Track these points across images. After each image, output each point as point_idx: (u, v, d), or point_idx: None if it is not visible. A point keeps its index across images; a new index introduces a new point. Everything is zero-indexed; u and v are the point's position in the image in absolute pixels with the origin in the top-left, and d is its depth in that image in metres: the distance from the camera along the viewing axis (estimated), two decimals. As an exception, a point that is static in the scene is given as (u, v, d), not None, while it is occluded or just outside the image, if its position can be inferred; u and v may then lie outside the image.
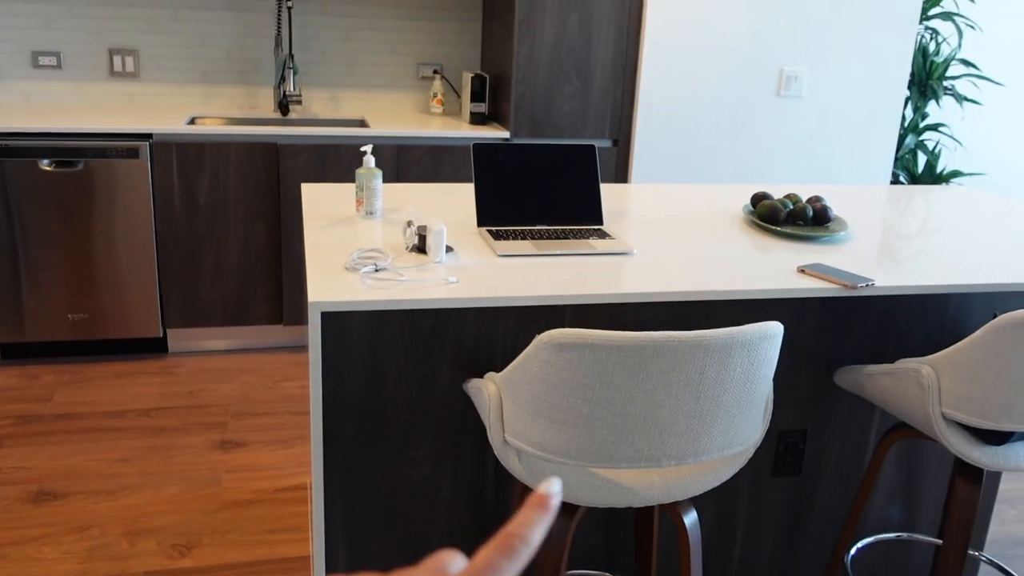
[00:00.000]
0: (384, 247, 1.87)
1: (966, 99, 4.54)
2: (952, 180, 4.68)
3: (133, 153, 3.33)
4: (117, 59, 3.79)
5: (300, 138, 3.47)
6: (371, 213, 2.11)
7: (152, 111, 3.74)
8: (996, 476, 2.38)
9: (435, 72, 4.06)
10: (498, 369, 1.88)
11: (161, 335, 3.59)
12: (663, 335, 1.36)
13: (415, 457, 1.91)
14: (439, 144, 3.59)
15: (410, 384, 1.85)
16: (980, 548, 2.44)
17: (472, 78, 3.78)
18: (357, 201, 2.11)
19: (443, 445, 1.92)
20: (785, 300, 2.01)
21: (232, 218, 3.50)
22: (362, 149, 2.10)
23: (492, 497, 1.99)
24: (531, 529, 0.49)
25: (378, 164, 3.55)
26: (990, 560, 2.22)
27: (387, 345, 1.80)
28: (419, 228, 1.85)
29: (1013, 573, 2.18)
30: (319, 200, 2.26)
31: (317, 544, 1.80)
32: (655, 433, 1.43)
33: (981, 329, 1.64)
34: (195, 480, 2.73)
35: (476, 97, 3.80)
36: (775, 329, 1.45)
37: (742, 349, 1.42)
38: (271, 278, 3.61)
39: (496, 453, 1.54)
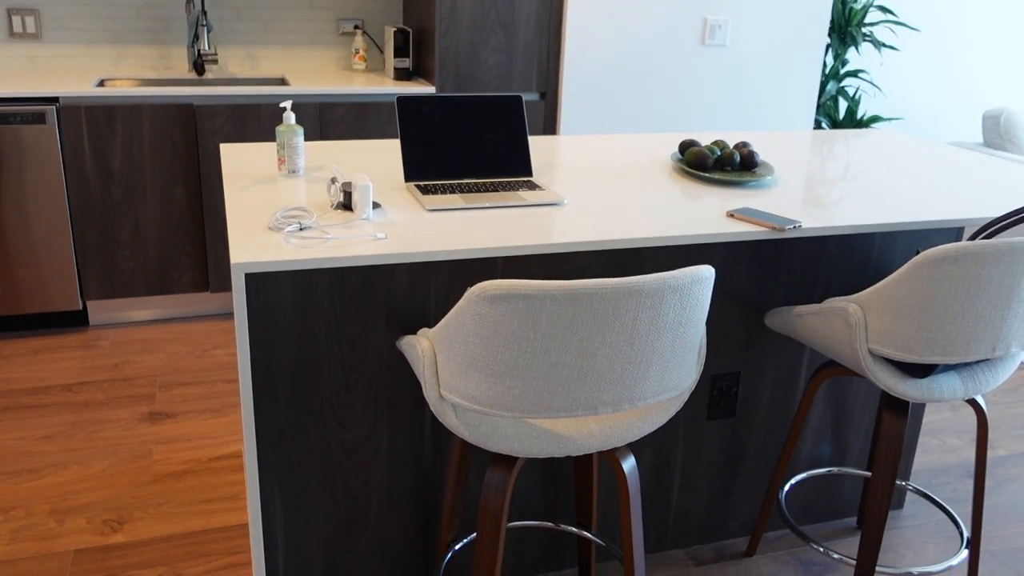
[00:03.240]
0: (308, 206, 1.82)
1: (884, 45, 4.62)
2: (872, 125, 4.78)
3: (39, 118, 3.17)
4: (16, 19, 3.58)
5: (217, 98, 3.35)
6: (294, 172, 2.04)
7: (58, 74, 3.56)
8: (921, 409, 2.46)
9: (356, 27, 3.94)
10: (431, 325, 1.86)
11: (81, 308, 3.45)
12: (595, 283, 1.35)
13: (350, 418, 1.87)
14: (363, 101, 3.51)
15: (342, 344, 1.81)
16: (906, 478, 2.52)
17: (395, 33, 3.69)
18: (279, 160, 2.04)
19: (379, 404, 1.89)
20: (716, 245, 2.02)
21: (149, 183, 3.37)
22: (281, 105, 2.03)
23: (431, 453, 1.97)
24: None
25: (300, 123, 3.45)
26: (916, 489, 2.30)
27: (316, 306, 1.76)
28: (344, 185, 1.80)
29: (937, 499, 2.26)
30: (239, 160, 2.18)
31: (253, 510, 1.76)
32: (591, 381, 1.42)
33: (904, 266, 1.67)
34: (124, 454, 2.65)
35: (399, 52, 3.71)
36: (706, 273, 1.45)
37: (674, 294, 1.41)
38: (194, 244, 3.50)
39: (432, 409, 1.52)
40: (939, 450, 2.87)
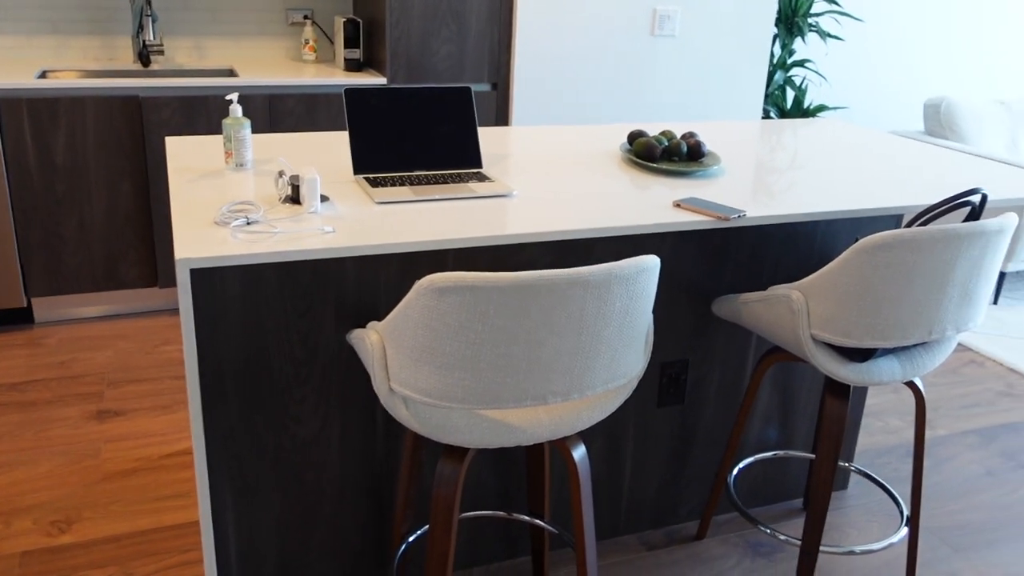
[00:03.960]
0: (256, 199, 1.81)
1: (829, 35, 4.70)
2: (818, 114, 4.86)
3: (-23, 111, 3.09)
4: (-48, 9, 3.48)
5: (163, 90, 3.29)
6: (241, 165, 2.03)
7: (-4, 65, 3.47)
8: (863, 392, 2.53)
9: (305, 17, 3.91)
10: (381, 318, 1.86)
11: (25, 305, 3.38)
12: (542, 274, 1.36)
13: (301, 413, 1.87)
14: (313, 93, 3.48)
15: (292, 339, 1.80)
16: (850, 459, 2.59)
17: (344, 23, 3.66)
18: (226, 153, 2.03)
19: (330, 399, 1.89)
20: (663, 235, 2.05)
21: (94, 178, 3.31)
22: (228, 97, 2.01)
23: (383, 447, 1.98)
24: None
25: (249, 115, 3.41)
26: (859, 470, 2.37)
27: (265, 301, 1.75)
28: (291, 178, 1.79)
29: (878, 479, 2.33)
30: (185, 153, 2.16)
31: (203, 508, 1.75)
32: (540, 371, 1.44)
33: (843, 254, 1.72)
34: (72, 453, 2.61)
35: (350, 43, 3.69)
36: (652, 262, 1.48)
37: (621, 283, 1.44)
38: (142, 239, 3.44)
39: (383, 402, 1.53)
40: (881, 431, 2.95)
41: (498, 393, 1.44)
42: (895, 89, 5.32)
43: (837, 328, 1.76)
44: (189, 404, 1.59)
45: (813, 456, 2.39)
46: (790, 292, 1.82)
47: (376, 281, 1.82)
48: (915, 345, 1.90)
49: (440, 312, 1.38)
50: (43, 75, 3.48)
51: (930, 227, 1.66)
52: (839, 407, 1.90)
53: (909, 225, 1.81)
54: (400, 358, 1.47)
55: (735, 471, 2.36)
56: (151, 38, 3.58)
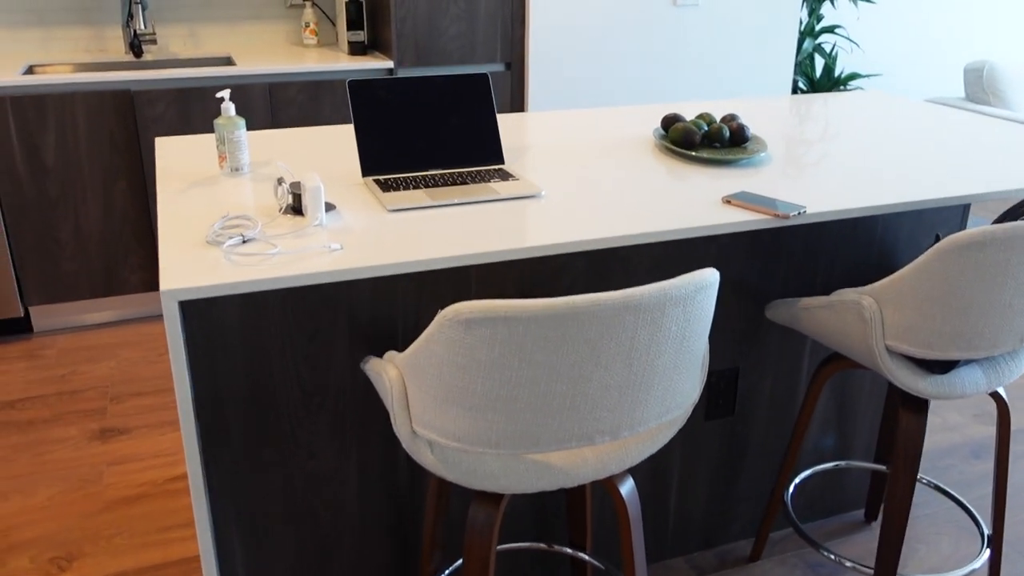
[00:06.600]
0: (255, 211, 1.60)
1: (860, -2, 4.43)
2: (850, 82, 4.60)
3: (-40, 112, 2.89)
4: (-69, 3, 3.28)
5: (156, 82, 3.08)
6: (237, 169, 1.82)
7: (-20, 61, 3.27)
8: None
9: (305, -1, 3.67)
10: (401, 342, 1.66)
11: (23, 314, 3.21)
12: (586, 300, 1.16)
13: (314, 445, 1.68)
14: (316, 79, 3.26)
15: (300, 366, 1.61)
16: (912, 466, 2.38)
17: (347, 3, 3.43)
18: (219, 156, 1.82)
19: (346, 430, 1.69)
20: (711, 235, 1.84)
21: (88, 178, 3.11)
22: (219, 95, 1.80)
23: (406, 480, 1.79)
24: None
25: (249, 106, 3.20)
26: (930, 482, 2.15)
27: (267, 325, 1.55)
28: (292, 186, 1.58)
29: (948, 490, 2.12)
30: (176, 156, 1.95)
31: (204, 548, 1.56)
32: (585, 410, 1.24)
33: (924, 255, 1.50)
34: (72, 479, 2.44)
35: (353, 25, 3.46)
36: (711, 278, 1.27)
37: (676, 305, 1.23)
38: (141, 241, 3.25)
39: (404, 446, 1.33)
40: (940, 428, 2.74)
41: (538, 436, 1.24)
42: (932, 54, 5.03)
43: (917, 338, 1.55)
44: (184, 444, 1.40)
45: (877, 467, 2.18)
46: (860, 298, 1.60)
47: (392, 300, 1.62)
48: (1000, 351, 1.68)
49: (469, 347, 1.18)
50: (29, 70, 3.27)
51: (1027, 222, 1.44)
52: (916, 423, 1.69)
53: (998, 221, 1.59)
54: (424, 398, 1.27)
55: (791, 486, 2.15)
56: (142, 27, 3.36)
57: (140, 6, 3.33)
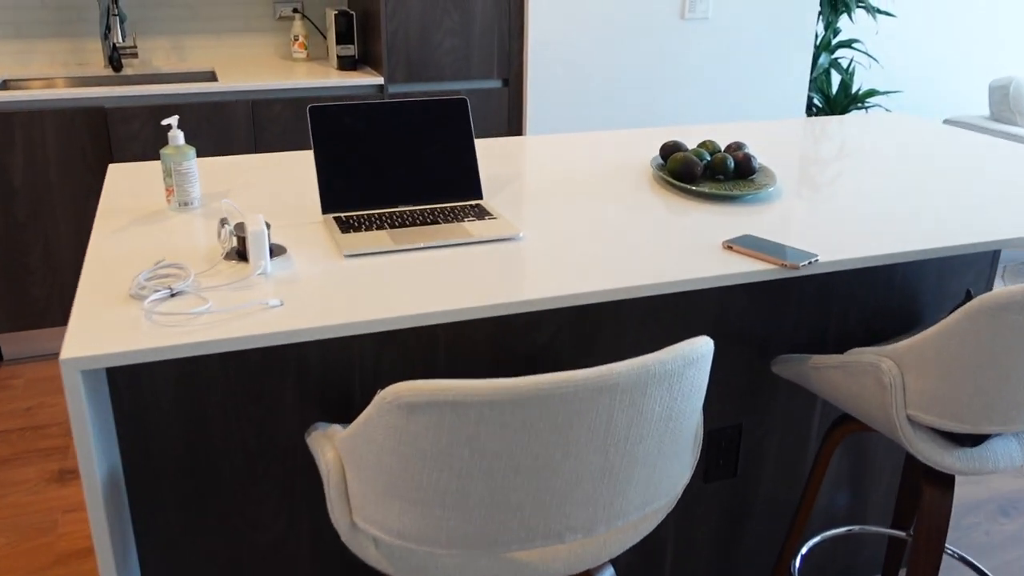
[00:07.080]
0: (197, 255, 1.42)
1: (879, 11, 4.23)
2: (868, 100, 4.40)
3: (-78, 130, 2.74)
4: (-99, 14, 3.13)
5: (132, 98, 2.92)
6: (185, 204, 1.65)
7: (-49, 75, 3.12)
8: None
9: (295, 11, 3.51)
10: (358, 406, 1.48)
11: (-9, 341, 3.05)
12: (551, 380, 0.97)
13: (260, 516, 1.50)
14: (302, 96, 3.09)
15: (243, 430, 1.43)
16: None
17: (336, 16, 3.27)
18: (166, 189, 1.65)
19: (295, 498, 1.51)
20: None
21: (59, 200, 2.95)
22: (165, 122, 1.62)
23: (367, 551, 1.60)
24: None
25: (230, 125, 3.03)
26: (954, 552, 1.94)
27: (205, 385, 1.37)
28: (236, 227, 1.41)
29: (975, 562, 1.91)
30: (125, 187, 1.78)
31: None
32: (552, 505, 1.05)
33: (953, 316, 1.30)
34: (24, 527, 2.26)
35: (343, 38, 3.29)
36: (702, 350, 1.08)
37: (660, 383, 1.04)
38: (117, 265, 3.08)
39: (344, 540, 1.15)
40: (963, 481, 2.52)
41: (496, 535, 1.05)
42: (955, 69, 4.82)
43: (944, 410, 1.35)
44: (94, 536, 1.21)
45: (896, 532, 1.98)
46: (879, 360, 1.41)
47: (348, 359, 1.44)
48: (1038, 419, 1.48)
49: (412, 435, 0.99)
50: (4, 85, 3.12)
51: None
52: (942, 499, 1.49)
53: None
54: (363, 488, 1.09)
55: (799, 557, 1.95)
56: (120, 40, 3.20)
57: (118, 19, 3.17)
